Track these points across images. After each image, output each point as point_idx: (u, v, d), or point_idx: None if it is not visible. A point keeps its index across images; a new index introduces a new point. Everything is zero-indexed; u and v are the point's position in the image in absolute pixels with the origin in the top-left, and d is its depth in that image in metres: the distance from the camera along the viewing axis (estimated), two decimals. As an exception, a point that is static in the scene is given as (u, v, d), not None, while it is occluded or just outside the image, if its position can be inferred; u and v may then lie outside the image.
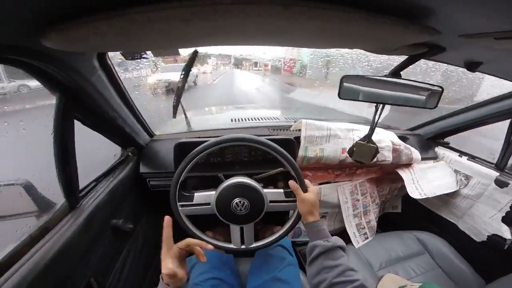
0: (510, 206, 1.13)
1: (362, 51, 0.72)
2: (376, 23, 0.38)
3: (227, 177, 0.85)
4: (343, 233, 1.31)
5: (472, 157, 1.29)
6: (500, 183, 1.15)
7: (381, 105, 0.80)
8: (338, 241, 0.71)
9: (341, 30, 0.41)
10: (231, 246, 0.88)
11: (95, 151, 1.16)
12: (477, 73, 0.82)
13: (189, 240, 0.66)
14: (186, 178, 0.81)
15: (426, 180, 1.28)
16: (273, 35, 0.45)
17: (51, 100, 0.67)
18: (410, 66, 0.77)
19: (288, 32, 0.42)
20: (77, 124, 0.76)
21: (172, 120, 1.26)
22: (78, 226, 0.72)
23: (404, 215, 1.62)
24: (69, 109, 0.69)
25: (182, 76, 1.03)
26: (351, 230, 1.32)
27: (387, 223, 1.59)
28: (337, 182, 1.29)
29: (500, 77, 0.91)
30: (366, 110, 1.52)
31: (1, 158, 1.25)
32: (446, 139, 1.44)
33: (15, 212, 0.75)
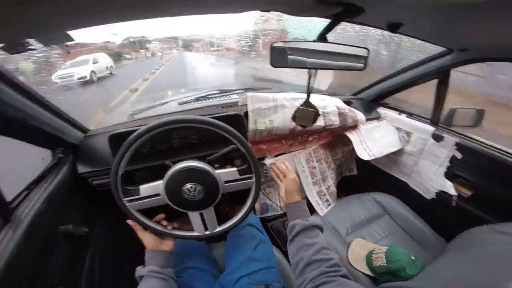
0: (449, 161, 1.21)
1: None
2: None
3: (176, 163, 0.79)
4: (308, 203, 1.36)
5: (409, 114, 1.40)
6: (437, 137, 1.25)
7: (313, 70, 0.80)
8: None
9: None
10: (195, 233, 0.85)
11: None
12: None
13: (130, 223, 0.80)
14: (132, 172, 0.75)
15: (372, 140, 1.36)
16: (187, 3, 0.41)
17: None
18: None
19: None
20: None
21: (113, 112, 1.17)
22: (19, 239, 0.65)
23: (361, 177, 1.70)
24: None
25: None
26: (313, 199, 1.36)
27: (347, 187, 1.66)
28: (292, 152, 1.32)
29: (421, 39, 0.95)
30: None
31: None
32: (386, 100, 1.54)
33: None
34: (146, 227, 0.80)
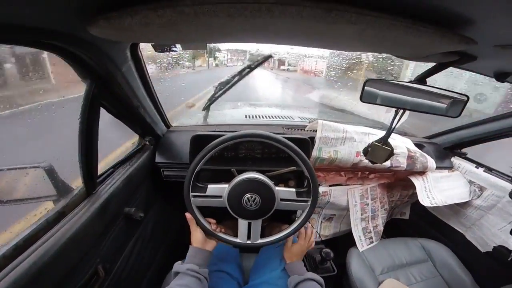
0: None
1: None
2: (416, 31, 0.38)
3: (239, 172, 0.85)
4: (348, 236, 1.33)
5: (489, 169, 1.27)
6: (515, 196, 1.13)
7: (401, 110, 0.79)
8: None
9: (379, 36, 0.40)
10: (237, 240, 0.88)
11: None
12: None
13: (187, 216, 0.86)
14: (200, 170, 0.82)
15: (438, 189, 1.26)
16: (309, 36, 0.45)
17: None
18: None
19: (324, 34, 0.42)
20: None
21: (188, 112, 1.29)
22: (93, 213, 0.73)
23: (411, 222, 1.61)
24: (97, 96, 0.70)
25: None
26: (356, 234, 1.32)
27: (393, 229, 1.58)
28: (348, 185, 1.29)
29: None
30: (383, 115, 1.50)
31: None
32: (464, 150, 1.41)
33: (37, 195, 0.76)
34: (198, 223, 0.85)
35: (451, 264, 1.21)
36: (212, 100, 1.39)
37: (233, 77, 1.35)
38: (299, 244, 0.95)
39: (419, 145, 1.34)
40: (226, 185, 0.83)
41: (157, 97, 1.01)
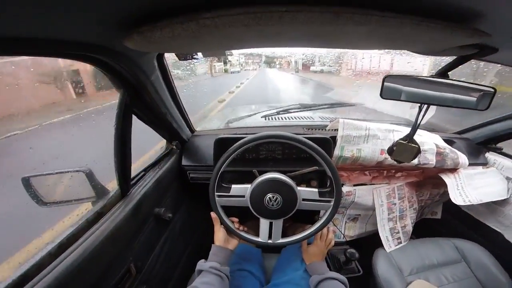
0: None
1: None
2: (425, 28, 0.38)
3: (261, 173, 0.87)
4: (374, 236, 1.30)
5: (529, 164, 1.18)
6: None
7: (425, 105, 0.76)
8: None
9: (389, 34, 0.41)
10: (259, 239, 0.89)
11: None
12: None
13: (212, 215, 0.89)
14: (223, 172, 0.85)
15: (472, 186, 1.19)
16: (321, 39, 0.47)
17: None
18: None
19: (336, 35, 0.43)
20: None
21: (210, 117, 1.34)
22: (127, 213, 0.78)
23: (443, 221, 1.53)
24: (130, 105, 0.76)
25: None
26: (383, 234, 1.28)
27: (425, 229, 1.51)
28: (374, 184, 1.26)
29: None
30: (408, 111, 1.45)
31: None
32: (499, 144, 1.32)
33: (79, 197, 0.84)
34: (222, 222, 0.88)
35: (488, 264, 1.14)
36: (281, 112, 1.50)
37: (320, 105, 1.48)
38: (315, 244, 0.95)
39: (449, 141, 1.28)
40: (249, 185, 0.86)
41: (182, 104, 1.07)
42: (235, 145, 0.82)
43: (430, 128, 1.39)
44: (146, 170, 1.03)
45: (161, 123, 1.02)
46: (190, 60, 0.78)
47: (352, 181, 1.23)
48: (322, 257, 0.94)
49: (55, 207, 0.82)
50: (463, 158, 1.18)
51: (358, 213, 1.37)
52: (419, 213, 1.43)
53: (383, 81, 0.74)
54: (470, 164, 1.21)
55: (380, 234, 1.28)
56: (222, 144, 0.99)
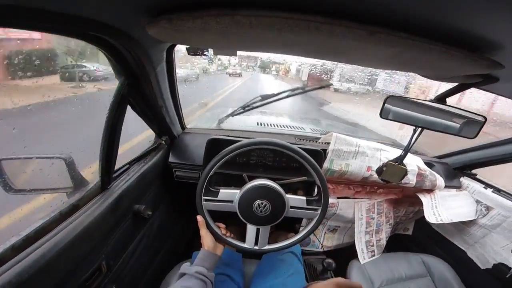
0: None
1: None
2: (449, 55, 0.39)
3: (250, 178, 0.86)
4: (350, 247, 1.35)
5: (497, 190, 1.28)
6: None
7: (419, 129, 0.80)
8: None
9: (412, 57, 0.42)
10: (245, 245, 0.89)
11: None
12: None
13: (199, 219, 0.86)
14: (212, 174, 0.83)
15: (445, 206, 1.27)
16: (344, 54, 0.47)
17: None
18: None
19: (360, 53, 0.43)
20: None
21: (204, 115, 1.30)
22: (106, 208, 0.74)
23: (414, 237, 1.61)
24: (127, 93, 0.72)
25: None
26: (359, 246, 1.33)
27: (396, 243, 1.58)
28: (356, 198, 1.30)
29: None
30: (395, 132, 1.51)
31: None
32: (474, 171, 1.42)
33: (55, 186, 0.77)
34: (208, 227, 0.86)
35: (450, 280, 1.22)
36: (246, 109, 1.37)
37: (279, 93, 1.34)
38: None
39: (429, 164, 1.35)
40: (238, 190, 0.84)
41: (179, 99, 1.02)
42: (229, 147, 0.81)
43: (413, 151, 1.46)
44: (131, 163, 0.97)
45: (154, 116, 0.97)
46: (199, 56, 0.75)
47: (337, 194, 1.26)
48: None
49: (24, 195, 0.74)
50: (440, 181, 1.26)
51: (338, 224, 1.40)
52: (393, 228, 1.50)
53: (385, 101, 0.76)
54: (446, 187, 1.29)
55: (357, 246, 1.32)
56: (215, 145, 0.96)
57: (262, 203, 0.81)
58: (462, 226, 1.36)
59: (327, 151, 1.11)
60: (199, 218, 0.85)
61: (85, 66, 2.73)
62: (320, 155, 1.03)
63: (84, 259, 0.69)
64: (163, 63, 0.77)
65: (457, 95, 0.74)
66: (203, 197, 0.84)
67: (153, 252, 1.18)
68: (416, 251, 1.37)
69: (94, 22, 0.46)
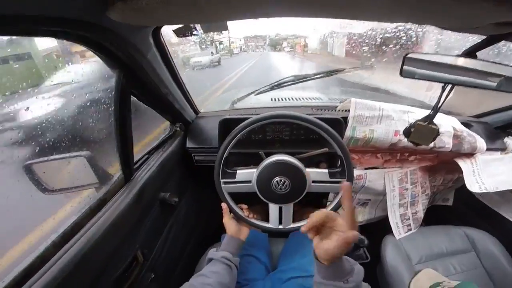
0: None
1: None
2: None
3: (268, 155, 0.84)
4: (384, 222, 1.27)
5: (549, 150, 1.11)
6: None
7: (449, 85, 0.70)
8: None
9: (423, 3, 0.35)
10: (269, 225, 0.88)
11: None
12: None
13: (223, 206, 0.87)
14: (228, 155, 0.82)
15: (489, 173, 1.13)
16: (345, 7, 0.40)
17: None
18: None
19: (362, 3, 0.37)
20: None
21: (216, 97, 1.28)
22: (131, 199, 0.76)
23: (455, 209, 1.49)
24: (127, 86, 0.72)
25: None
26: (393, 220, 1.25)
27: (435, 216, 1.47)
28: (386, 168, 1.21)
29: None
30: (424, 93, 1.37)
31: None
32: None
33: (81, 183, 0.82)
34: (231, 211, 0.86)
35: (498, 256, 1.11)
36: (274, 87, 1.32)
37: (316, 74, 1.30)
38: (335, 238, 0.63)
39: (466, 124, 1.21)
40: (255, 170, 0.82)
41: (184, 84, 1.01)
42: (239, 126, 0.79)
43: (446, 111, 1.32)
44: (150, 153, 1.00)
45: (162, 104, 0.97)
46: (189, 37, 0.72)
47: (363, 164, 1.19)
48: (336, 256, 0.59)
49: (59, 194, 0.80)
50: (481, 143, 1.12)
51: (369, 198, 1.33)
52: (431, 200, 1.39)
53: (404, 59, 0.69)
54: (487, 149, 1.15)
55: (390, 221, 1.24)
56: (227, 125, 0.94)
57: (281, 180, 0.78)
58: (510, 195, 1.21)
59: (347, 119, 1.04)
60: (223, 205, 0.86)
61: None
62: (339, 123, 0.97)
63: (119, 250, 0.71)
64: (152, 49, 0.75)
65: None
66: (221, 180, 0.83)
67: (184, 237, 1.22)
68: (457, 224, 1.26)
69: (57, 19, 0.44)
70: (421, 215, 1.29)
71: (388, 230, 1.23)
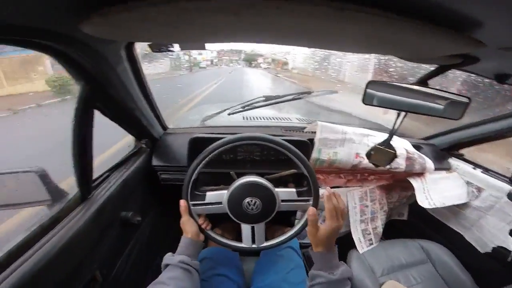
0: None
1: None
2: (427, 33, 0.37)
3: (239, 175, 0.84)
4: (347, 237, 1.32)
5: (486, 170, 1.28)
6: (512, 197, 1.14)
7: (404, 112, 0.78)
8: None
9: (388, 37, 0.39)
10: (242, 245, 0.87)
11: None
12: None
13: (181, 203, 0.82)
14: (198, 174, 0.80)
15: (437, 190, 1.27)
16: (315, 37, 0.44)
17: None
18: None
19: (331, 34, 0.40)
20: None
21: (185, 112, 1.26)
22: (89, 218, 0.72)
23: (410, 223, 1.61)
24: (91, 99, 0.68)
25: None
26: (356, 235, 1.32)
27: (392, 230, 1.58)
28: (348, 187, 1.29)
29: None
30: (381, 116, 1.50)
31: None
32: (461, 151, 1.42)
33: (29, 200, 0.74)
34: (203, 232, 0.84)
35: (451, 265, 1.21)
36: (246, 108, 1.32)
37: (285, 96, 1.33)
38: (327, 225, 0.70)
39: (416, 147, 1.34)
40: (225, 191, 0.82)
41: (153, 99, 0.98)
42: (211, 146, 0.78)
43: (400, 134, 1.45)
44: (111, 170, 0.93)
45: (128, 119, 0.93)
46: (165, 53, 0.71)
47: (328, 184, 1.25)
48: (329, 243, 0.70)
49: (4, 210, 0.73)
50: (429, 163, 1.25)
51: (332, 215, 1.39)
52: (388, 215, 1.49)
53: (366, 86, 0.74)
54: (435, 169, 1.29)
55: (353, 236, 1.31)
56: (197, 144, 0.93)
57: (252, 201, 0.79)
58: (457, 210, 1.36)
59: (313, 141, 1.09)
60: (182, 202, 0.81)
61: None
62: (306, 145, 1.01)
63: (75, 270, 0.67)
64: (124, 63, 0.72)
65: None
66: (190, 203, 0.81)
67: (149, 257, 1.15)
68: (413, 236, 1.36)
69: (26, 28, 0.41)
70: (380, 229, 1.38)
71: (352, 244, 1.29)
